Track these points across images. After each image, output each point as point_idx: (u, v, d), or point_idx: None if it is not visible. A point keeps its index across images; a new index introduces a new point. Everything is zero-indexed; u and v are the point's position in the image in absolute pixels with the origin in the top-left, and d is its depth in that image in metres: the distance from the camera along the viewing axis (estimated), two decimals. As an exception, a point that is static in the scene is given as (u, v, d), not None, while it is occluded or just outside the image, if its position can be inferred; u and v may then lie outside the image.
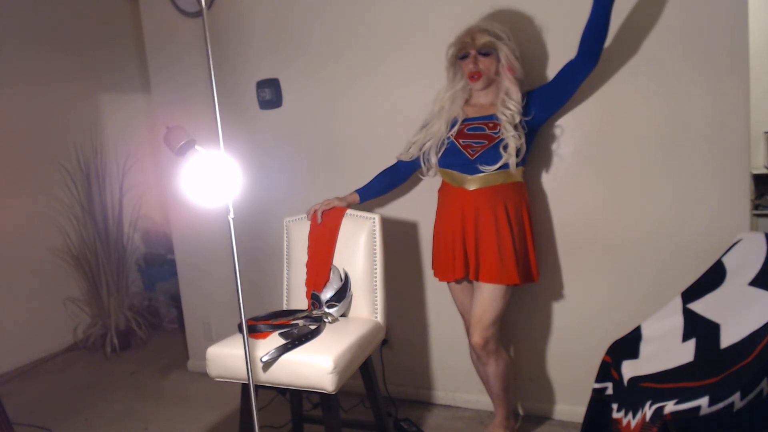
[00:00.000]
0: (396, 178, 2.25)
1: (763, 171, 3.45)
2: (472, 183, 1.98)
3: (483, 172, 1.95)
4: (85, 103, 3.83)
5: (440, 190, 2.13)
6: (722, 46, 1.94)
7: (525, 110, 1.97)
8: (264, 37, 2.67)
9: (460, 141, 2.00)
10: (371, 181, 2.24)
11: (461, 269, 2.01)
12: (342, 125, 2.58)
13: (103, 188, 3.70)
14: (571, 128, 2.18)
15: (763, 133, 3.47)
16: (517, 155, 1.93)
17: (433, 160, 2.06)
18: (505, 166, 1.94)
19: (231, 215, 1.65)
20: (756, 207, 3.19)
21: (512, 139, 1.92)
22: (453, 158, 2.01)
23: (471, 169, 1.97)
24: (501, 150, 1.93)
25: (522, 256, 2.01)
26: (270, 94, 2.67)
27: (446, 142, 2.03)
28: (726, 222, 2.00)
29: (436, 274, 2.16)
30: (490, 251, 1.96)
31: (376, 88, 2.49)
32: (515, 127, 1.93)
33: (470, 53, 1.94)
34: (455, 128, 2.02)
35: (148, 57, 3.03)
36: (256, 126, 2.75)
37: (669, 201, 2.09)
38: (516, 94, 1.94)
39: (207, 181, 1.59)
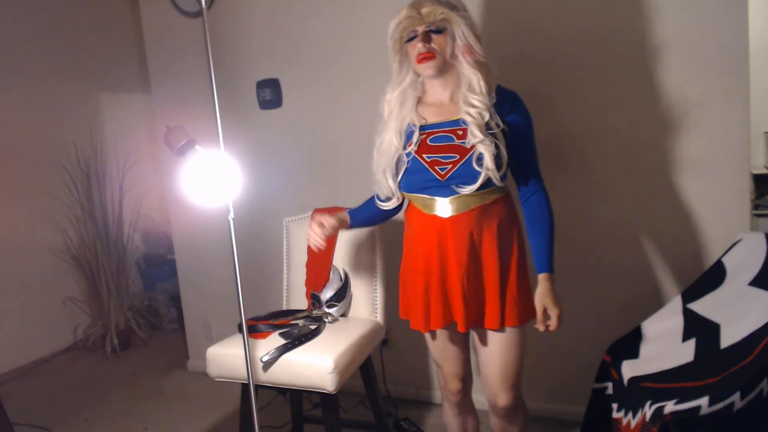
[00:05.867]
0: (384, 212, 1.76)
1: (763, 171, 3.45)
2: (448, 208, 1.53)
3: (459, 193, 1.52)
4: (85, 103, 3.83)
5: (408, 214, 1.67)
6: (722, 45, 1.94)
7: (498, 110, 1.52)
8: (264, 38, 2.67)
9: (424, 156, 1.53)
10: (363, 204, 1.81)
11: (439, 317, 1.58)
12: (342, 125, 2.58)
13: (103, 188, 3.70)
14: (570, 127, 2.18)
15: (763, 133, 3.47)
16: (499, 167, 1.49)
17: (392, 183, 1.59)
18: (489, 182, 1.50)
19: (231, 215, 1.65)
20: (756, 207, 3.19)
21: (484, 147, 1.46)
22: (418, 178, 1.55)
23: (444, 190, 1.53)
24: (475, 165, 1.48)
25: (525, 287, 1.63)
26: (270, 94, 2.67)
27: (405, 158, 1.55)
28: (726, 222, 2.00)
29: (410, 321, 1.68)
30: (493, 290, 1.56)
31: (376, 88, 2.46)
32: (487, 127, 1.49)
33: (418, 31, 1.50)
34: (414, 139, 1.55)
35: (148, 57, 3.03)
36: (256, 126, 2.75)
37: (669, 201, 2.09)
38: (479, 84, 1.50)
39: (207, 181, 1.59)
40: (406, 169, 1.56)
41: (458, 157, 1.50)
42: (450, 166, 1.50)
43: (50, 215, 3.58)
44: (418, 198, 1.58)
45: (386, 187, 1.61)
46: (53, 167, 3.57)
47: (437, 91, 1.59)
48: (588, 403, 1.85)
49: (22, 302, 3.44)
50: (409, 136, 1.57)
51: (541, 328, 1.57)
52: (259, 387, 1.81)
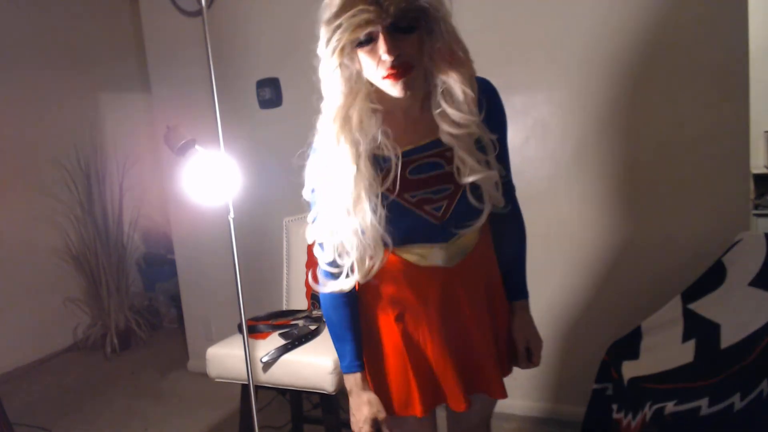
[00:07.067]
0: (351, 307, 1.20)
1: (763, 171, 3.44)
2: (451, 254, 1.13)
3: (459, 234, 1.12)
4: (85, 103, 3.83)
5: (382, 275, 1.13)
6: (722, 45, 1.94)
7: (489, 124, 1.10)
8: (264, 36, 2.67)
9: (406, 196, 1.09)
10: (339, 344, 1.20)
11: (431, 397, 1.22)
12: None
13: (103, 188, 3.70)
14: (571, 127, 2.18)
15: (763, 133, 3.46)
16: (498, 188, 1.11)
17: (374, 234, 1.06)
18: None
19: (231, 215, 1.65)
20: (756, 207, 3.19)
21: (483, 180, 1.07)
22: (401, 226, 1.09)
23: (441, 233, 1.12)
24: (471, 198, 1.09)
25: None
26: (270, 93, 2.67)
27: (383, 201, 1.06)
28: (726, 222, 2.00)
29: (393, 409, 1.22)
30: (503, 342, 1.29)
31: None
32: (478, 145, 1.08)
33: (378, 30, 0.96)
34: (391, 175, 1.07)
35: (147, 56, 3.03)
36: (256, 125, 2.75)
37: (669, 201, 2.08)
38: (462, 93, 1.04)
39: (207, 180, 1.59)
40: (387, 215, 1.06)
41: (453, 188, 1.09)
42: (445, 202, 1.10)
43: (50, 215, 3.58)
44: (405, 250, 1.13)
45: (358, 245, 1.06)
46: (53, 167, 3.56)
47: (402, 100, 1.07)
48: (588, 403, 1.85)
49: (22, 302, 3.44)
50: (380, 168, 1.08)
51: (523, 366, 1.32)
52: (259, 387, 1.81)
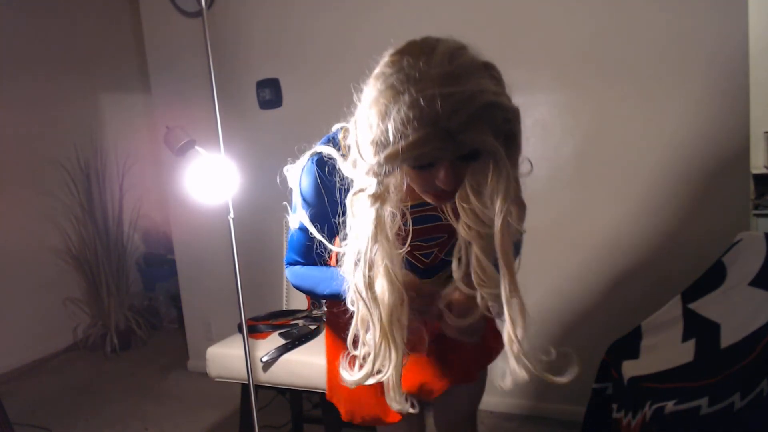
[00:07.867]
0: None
1: (763, 171, 3.44)
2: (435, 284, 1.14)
3: (442, 272, 1.17)
4: (85, 103, 3.83)
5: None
6: (722, 46, 1.94)
7: None
8: (264, 37, 2.67)
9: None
10: (335, 282, 1.07)
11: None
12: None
13: (103, 188, 3.70)
14: (571, 128, 2.18)
15: (763, 133, 3.46)
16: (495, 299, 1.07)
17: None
18: None
19: (231, 215, 1.65)
20: (756, 207, 3.19)
21: (492, 288, 1.00)
22: None
23: (424, 275, 1.16)
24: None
25: None
26: (270, 94, 2.67)
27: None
28: (726, 222, 2.00)
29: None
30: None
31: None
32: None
33: (442, 160, 0.86)
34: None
35: (148, 57, 3.03)
36: (256, 126, 2.75)
37: (669, 201, 2.09)
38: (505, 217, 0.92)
39: (207, 181, 1.59)
40: None
41: (445, 237, 1.13)
42: (436, 249, 1.14)
43: (50, 215, 3.58)
44: None
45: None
46: (53, 167, 3.56)
47: None
48: (588, 403, 1.85)
49: (22, 302, 3.44)
50: None
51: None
52: (259, 387, 1.81)
